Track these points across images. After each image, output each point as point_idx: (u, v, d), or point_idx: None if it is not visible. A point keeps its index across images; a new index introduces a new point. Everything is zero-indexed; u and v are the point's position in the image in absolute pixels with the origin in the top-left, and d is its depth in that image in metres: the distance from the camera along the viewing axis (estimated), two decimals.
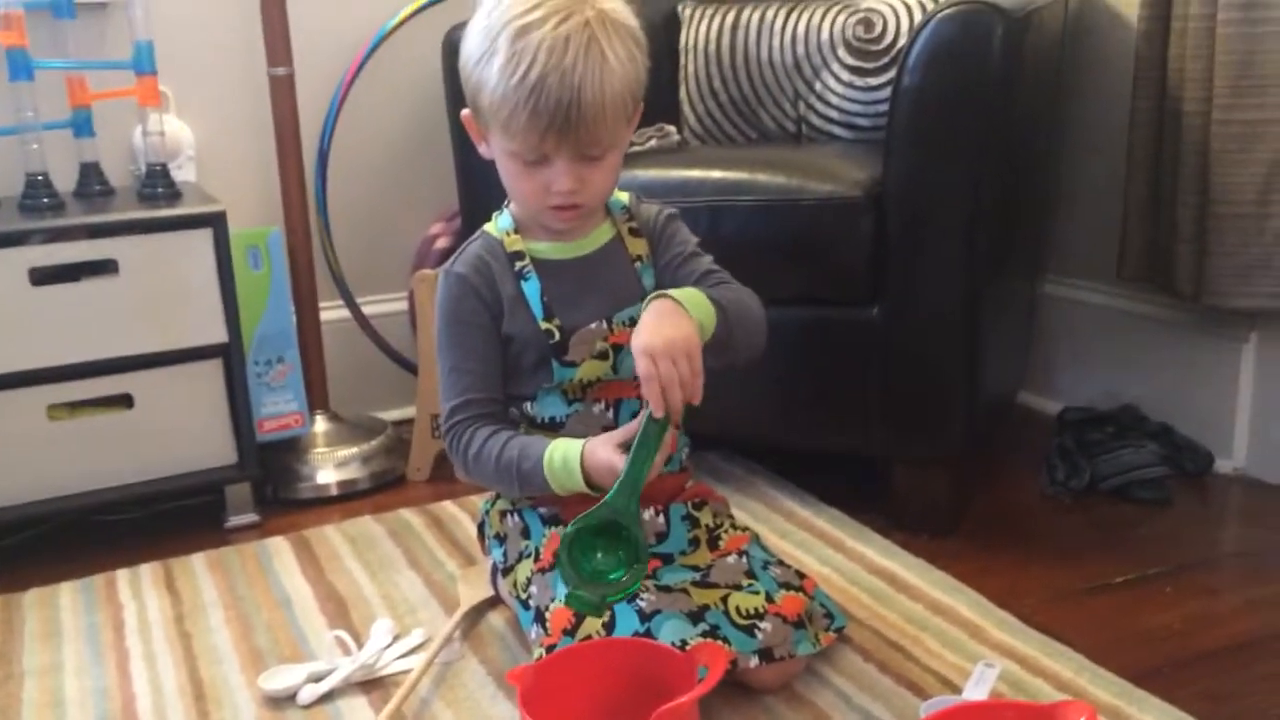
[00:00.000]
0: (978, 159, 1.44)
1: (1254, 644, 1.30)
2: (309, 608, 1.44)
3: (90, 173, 1.76)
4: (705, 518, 1.32)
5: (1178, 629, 1.33)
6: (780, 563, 1.30)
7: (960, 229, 1.46)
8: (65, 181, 1.74)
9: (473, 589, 1.43)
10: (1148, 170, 1.73)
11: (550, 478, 1.20)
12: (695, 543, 1.30)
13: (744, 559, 1.27)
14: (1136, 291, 1.87)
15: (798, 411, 1.60)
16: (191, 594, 1.49)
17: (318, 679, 1.25)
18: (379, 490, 1.82)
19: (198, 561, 1.58)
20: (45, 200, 1.65)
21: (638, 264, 1.31)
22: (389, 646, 1.32)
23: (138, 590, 1.50)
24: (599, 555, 1.12)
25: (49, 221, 1.59)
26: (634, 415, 1.23)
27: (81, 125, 1.74)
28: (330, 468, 1.81)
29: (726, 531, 1.32)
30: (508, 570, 1.33)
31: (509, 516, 1.35)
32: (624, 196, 1.34)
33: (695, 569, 1.25)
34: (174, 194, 1.71)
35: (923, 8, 1.78)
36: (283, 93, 1.81)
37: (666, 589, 1.19)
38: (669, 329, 1.12)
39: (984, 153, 1.44)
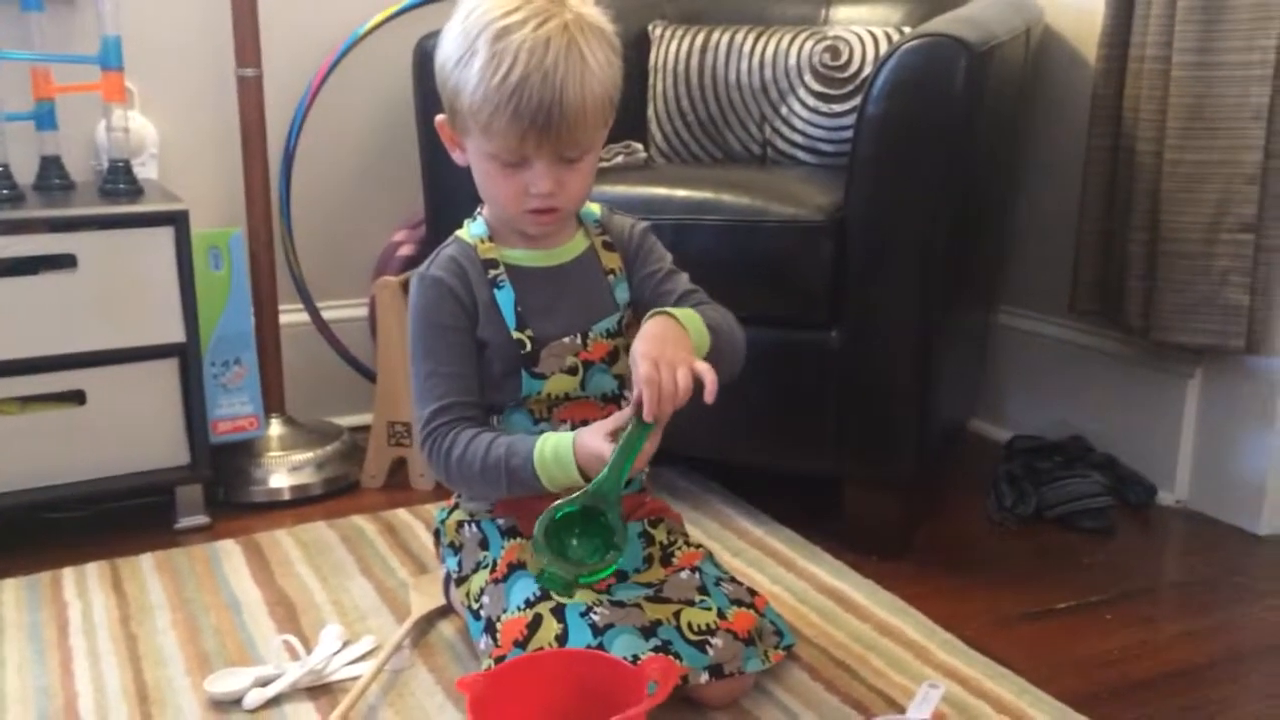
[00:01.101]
0: (937, 188, 1.47)
1: (1190, 672, 1.33)
2: (258, 612, 1.43)
3: (51, 166, 1.74)
4: (660, 535, 1.33)
5: (1117, 656, 1.36)
6: (732, 579, 1.30)
7: (918, 256, 1.49)
8: (25, 174, 1.72)
9: (424, 597, 1.43)
10: (1101, 206, 1.77)
11: (541, 471, 1.18)
12: (649, 560, 1.30)
13: (696, 575, 1.27)
14: (1088, 325, 1.91)
15: (754, 430, 1.62)
16: (138, 594, 1.48)
17: (265, 683, 1.25)
18: (332, 496, 1.81)
19: (146, 562, 1.56)
20: (4, 192, 1.63)
21: (610, 277, 1.31)
22: (338, 652, 1.31)
23: (83, 589, 1.49)
24: (574, 542, 1.13)
25: (7, 213, 1.57)
26: None
27: (44, 118, 1.73)
28: (284, 472, 1.80)
29: (680, 548, 1.32)
30: (461, 580, 1.33)
31: (466, 527, 1.35)
32: (596, 209, 1.35)
33: (649, 585, 1.25)
34: (136, 191, 1.70)
35: (888, 38, 1.81)
36: (250, 94, 1.80)
37: (620, 604, 1.20)
38: (670, 343, 1.15)
39: (944, 182, 1.47)
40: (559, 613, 1.18)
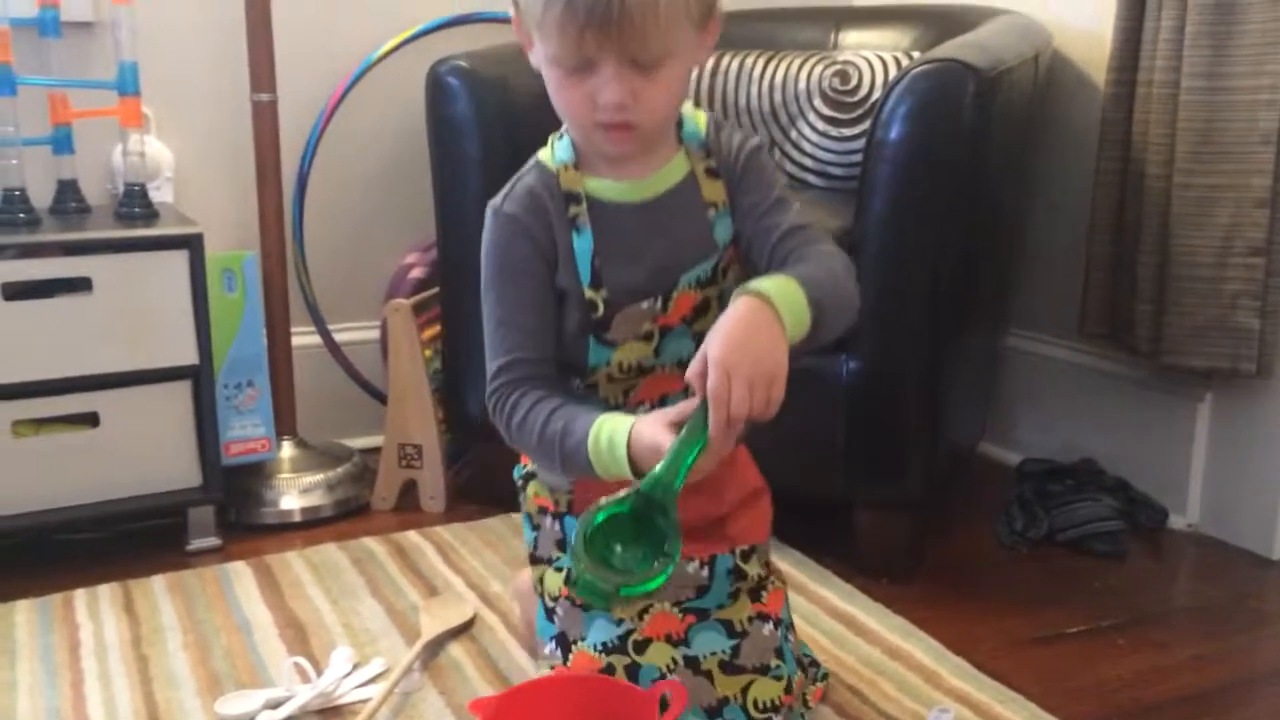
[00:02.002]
0: (947, 212, 1.48)
1: (1202, 697, 1.32)
2: (269, 634, 1.44)
3: (68, 190, 1.76)
4: (753, 569, 1.19)
5: (1128, 681, 1.35)
6: (791, 625, 1.23)
7: (927, 279, 1.49)
8: (42, 198, 1.74)
9: (434, 619, 1.43)
10: (1110, 230, 1.78)
11: (595, 458, 1.04)
12: (737, 594, 1.18)
13: (778, 631, 1.17)
14: (1097, 348, 1.91)
15: (763, 452, 1.62)
16: (150, 616, 1.48)
17: (275, 706, 1.25)
18: (343, 518, 1.82)
19: (157, 584, 1.57)
20: (21, 215, 1.65)
21: (711, 211, 1.13)
22: (348, 675, 1.32)
23: (95, 611, 1.49)
24: (619, 548, 0.98)
25: (24, 237, 1.59)
26: None
27: (61, 142, 1.75)
28: (295, 494, 1.81)
29: (772, 584, 1.20)
30: (535, 560, 1.24)
31: (547, 516, 1.24)
32: (702, 124, 1.15)
33: (730, 628, 1.16)
34: (151, 214, 1.72)
35: (898, 63, 1.82)
36: (265, 118, 1.82)
37: (695, 663, 1.13)
38: (758, 345, 0.96)
39: (953, 206, 1.48)
40: (632, 672, 1.12)
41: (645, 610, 1.16)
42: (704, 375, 0.96)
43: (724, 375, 0.94)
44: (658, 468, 0.97)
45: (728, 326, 0.97)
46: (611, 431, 1.03)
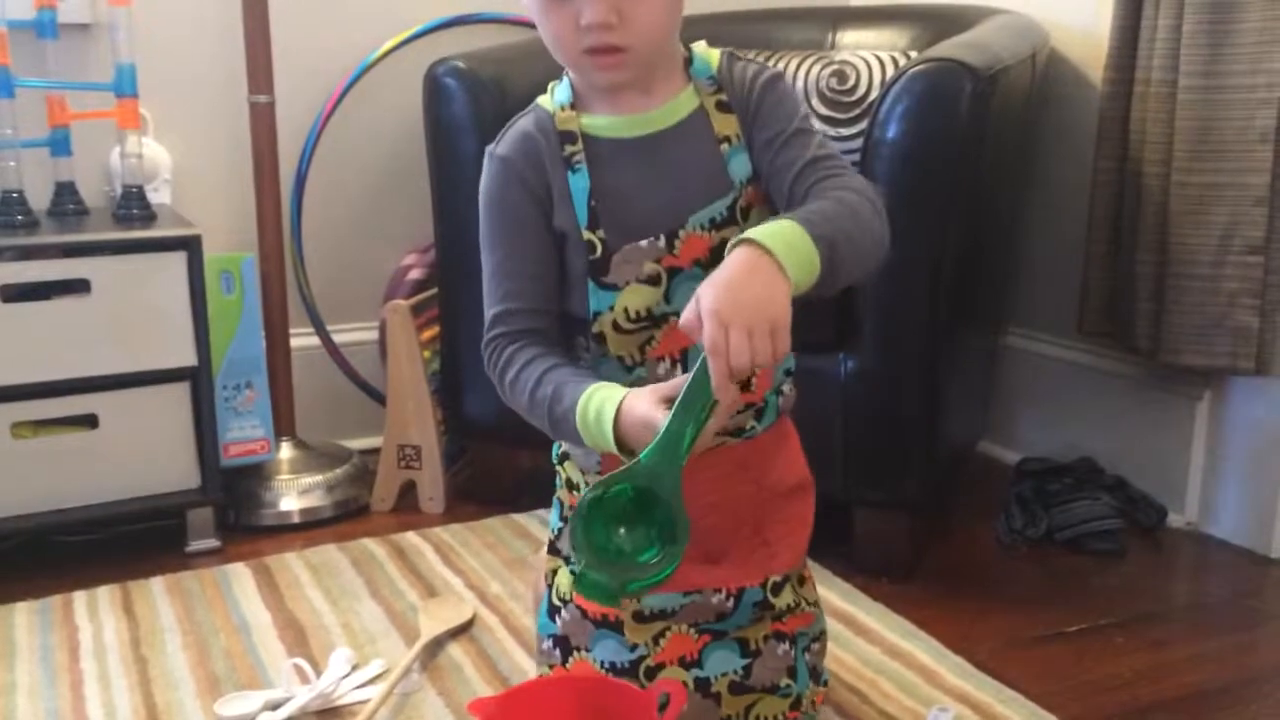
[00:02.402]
0: (944, 211, 1.48)
1: (1201, 696, 1.32)
2: (268, 635, 1.44)
3: (65, 192, 1.76)
4: (783, 600, 1.14)
5: (1127, 679, 1.35)
6: (819, 635, 1.19)
7: (925, 279, 1.49)
8: (40, 200, 1.74)
9: (434, 620, 1.43)
10: (1108, 229, 1.78)
11: (583, 430, 0.98)
12: (759, 620, 1.14)
13: (793, 649, 1.15)
14: (1096, 347, 1.91)
15: None
16: (149, 618, 1.48)
17: (274, 707, 1.25)
18: (342, 519, 1.82)
19: (156, 585, 1.57)
20: (19, 218, 1.65)
21: (725, 146, 1.05)
22: (347, 676, 1.32)
23: (94, 612, 1.49)
24: (621, 531, 0.90)
25: (22, 239, 1.59)
26: None
27: (59, 144, 1.75)
28: (294, 495, 1.81)
29: (802, 609, 1.16)
30: (553, 551, 1.19)
31: (569, 510, 1.18)
32: (714, 60, 1.09)
33: (744, 646, 1.13)
34: (149, 216, 1.72)
35: (895, 62, 1.82)
36: (262, 120, 1.82)
37: (706, 685, 1.12)
38: (752, 293, 0.88)
39: (951, 205, 1.48)
40: None
41: (661, 635, 1.13)
42: (699, 328, 0.89)
43: (719, 326, 0.86)
44: (658, 438, 0.90)
45: (721, 275, 0.90)
46: (601, 403, 0.96)
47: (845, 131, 1.84)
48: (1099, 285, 1.80)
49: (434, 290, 1.87)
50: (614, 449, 0.96)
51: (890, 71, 1.81)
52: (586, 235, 1.04)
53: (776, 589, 1.14)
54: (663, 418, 0.91)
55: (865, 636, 1.42)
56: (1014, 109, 1.70)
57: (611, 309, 1.05)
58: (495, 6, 2.10)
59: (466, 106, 1.69)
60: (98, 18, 1.84)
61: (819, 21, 2.03)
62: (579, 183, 1.05)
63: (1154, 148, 1.69)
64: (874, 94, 1.80)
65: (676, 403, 0.90)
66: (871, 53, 1.87)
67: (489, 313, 1.09)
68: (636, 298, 1.04)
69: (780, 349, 0.88)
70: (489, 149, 1.10)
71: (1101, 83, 1.78)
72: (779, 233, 0.92)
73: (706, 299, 0.88)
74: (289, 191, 1.99)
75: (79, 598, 1.53)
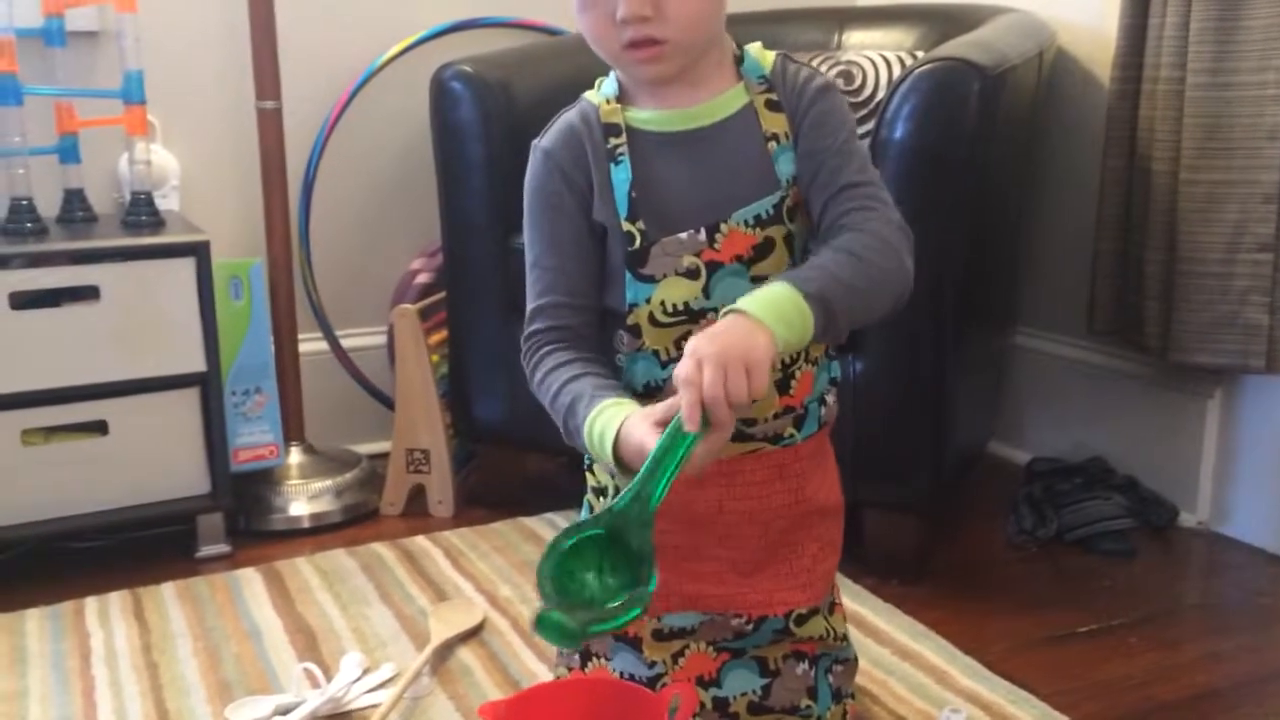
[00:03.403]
0: (952, 211, 1.47)
1: (1213, 695, 1.32)
2: (278, 640, 1.44)
3: (74, 199, 1.76)
4: (810, 629, 1.12)
5: (1140, 679, 1.35)
6: (845, 659, 1.17)
7: (934, 279, 1.49)
8: (49, 207, 1.74)
9: (443, 624, 1.44)
10: (1117, 227, 1.77)
11: (591, 449, 0.99)
12: (779, 642, 1.13)
13: (814, 670, 1.13)
14: (1105, 346, 1.90)
15: None
16: (160, 623, 1.48)
17: (285, 712, 1.25)
18: (352, 524, 1.82)
19: (167, 591, 1.57)
20: (29, 225, 1.65)
21: (773, 145, 1.05)
22: (358, 680, 1.32)
23: (106, 618, 1.50)
24: (590, 576, 0.90)
25: (31, 246, 1.59)
26: None
27: (68, 151, 1.75)
28: (303, 500, 1.81)
29: (829, 640, 1.14)
30: None
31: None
32: (767, 61, 1.08)
33: (763, 666, 1.13)
34: (158, 222, 1.72)
35: (901, 62, 1.82)
36: (270, 126, 1.82)
37: (724, 705, 1.11)
38: (731, 337, 0.90)
39: (958, 205, 1.48)
40: None
41: (680, 653, 1.12)
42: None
43: (695, 361, 0.89)
44: (635, 480, 0.90)
45: (703, 328, 0.95)
46: (604, 426, 0.97)
47: None
48: (1108, 284, 1.80)
49: (442, 294, 1.87)
50: (618, 471, 0.97)
51: (897, 71, 1.80)
52: (626, 226, 1.04)
53: (801, 620, 1.12)
54: (653, 444, 0.91)
55: (875, 638, 1.42)
56: (1021, 108, 1.70)
57: (649, 301, 1.05)
58: (501, 10, 2.10)
59: (473, 110, 1.70)
60: (105, 25, 1.84)
61: (825, 22, 2.03)
62: (620, 174, 1.05)
63: (1162, 145, 1.68)
64: (881, 94, 1.79)
65: (651, 454, 0.90)
66: (878, 53, 1.86)
67: (529, 305, 1.09)
68: (675, 290, 1.04)
69: (756, 386, 0.89)
70: (534, 142, 1.10)
71: (1109, 81, 1.77)
72: (768, 303, 0.93)
73: (689, 343, 0.91)
74: (297, 197, 1.99)
75: (90, 604, 1.53)
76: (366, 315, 2.11)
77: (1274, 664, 1.40)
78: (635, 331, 1.06)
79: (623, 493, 0.90)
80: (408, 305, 1.82)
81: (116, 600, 1.54)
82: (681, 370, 0.89)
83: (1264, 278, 1.61)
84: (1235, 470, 1.75)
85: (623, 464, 0.96)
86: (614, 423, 0.96)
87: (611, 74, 1.09)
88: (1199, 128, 1.63)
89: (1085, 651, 1.41)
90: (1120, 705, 1.29)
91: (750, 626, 1.11)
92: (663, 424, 0.92)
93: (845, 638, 1.18)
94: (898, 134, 1.45)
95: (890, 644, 1.41)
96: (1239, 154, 1.61)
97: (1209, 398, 1.77)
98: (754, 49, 1.10)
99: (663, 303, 1.04)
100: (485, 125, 1.69)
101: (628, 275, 1.05)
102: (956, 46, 1.53)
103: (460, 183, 1.74)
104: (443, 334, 1.86)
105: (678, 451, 0.89)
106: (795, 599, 1.12)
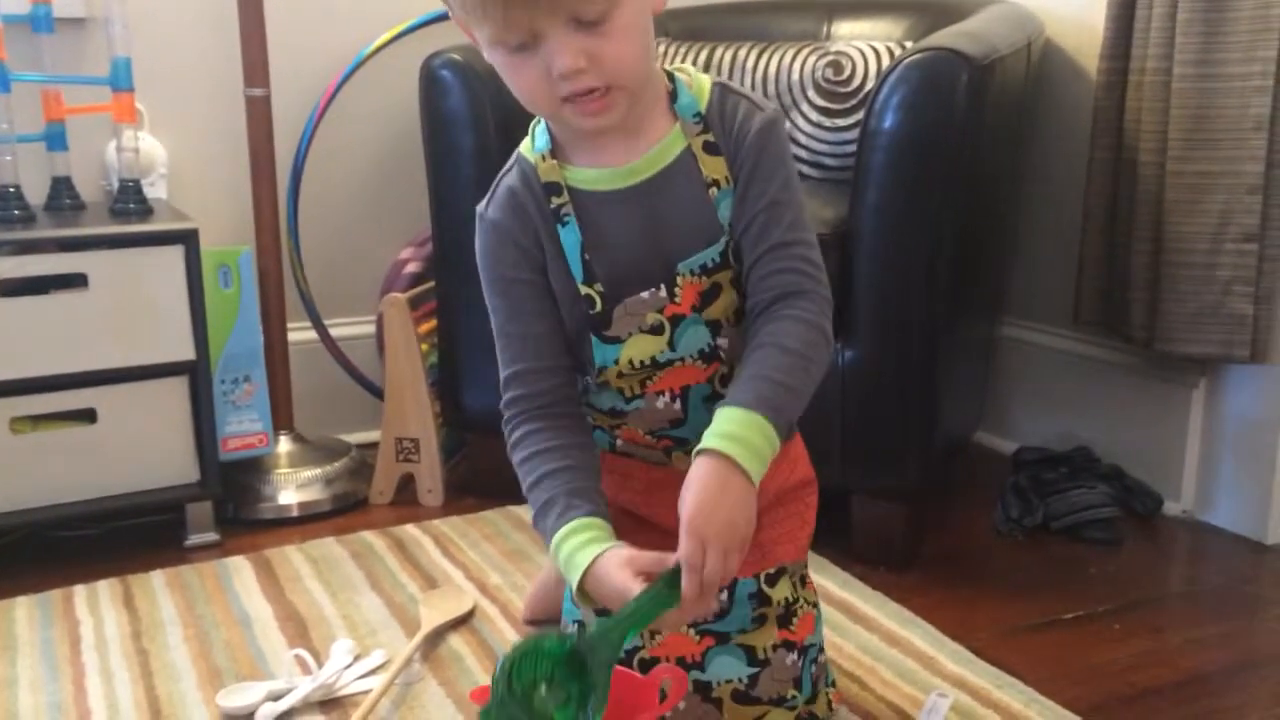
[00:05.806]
0: (941, 201, 1.48)
1: (1198, 681, 1.33)
2: (268, 627, 1.44)
3: (62, 186, 1.76)
4: (780, 593, 1.13)
5: (1124, 665, 1.36)
6: (822, 645, 1.20)
7: (922, 269, 1.50)
8: (37, 194, 1.74)
9: (434, 611, 1.44)
10: (1103, 218, 1.78)
11: (552, 559, 1.02)
12: (762, 619, 1.13)
13: (802, 659, 1.14)
14: (1092, 336, 1.91)
15: None
16: (150, 611, 1.48)
17: (276, 698, 1.25)
18: (341, 512, 1.82)
19: (156, 579, 1.57)
20: (16, 212, 1.64)
21: (714, 191, 1.03)
22: (349, 667, 1.32)
23: (95, 606, 1.49)
24: (544, 685, 0.92)
25: (19, 234, 1.59)
26: (705, 401, 1.05)
27: (55, 139, 1.75)
28: (293, 488, 1.81)
29: (801, 608, 1.15)
30: None
31: None
32: (702, 95, 1.05)
33: (751, 655, 1.13)
34: (146, 210, 1.72)
35: (890, 53, 1.82)
36: (258, 113, 1.82)
37: (706, 689, 1.11)
38: (727, 514, 0.93)
39: (947, 195, 1.48)
40: None
41: (656, 631, 1.12)
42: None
43: (699, 543, 0.91)
44: (611, 621, 0.93)
45: (698, 491, 0.94)
46: (569, 556, 0.98)
47: (841, 122, 1.84)
48: (1094, 274, 1.81)
49: (431, 283, 1.87)
50: (578, 599, 0.99)
51: (886, 62, 1.81)
52: (584, 290, 1.04)
53: (772, 580, 1.14)
54: (635, 591, 0.93)
55: (863, 624, 1.43)
56: (1010, 99, 1.71)
57: (617, 361, 1.06)
58: None
59: (463, 99, 1.69)
60: (93, 12, 1.83)
61: (814, 12, 2.03)
62: (570, 236, 1.04)
63: (1149, 136, 1.69)
64: (870, 84, 1.80)
65: (645, 595, 0.93)
66: (867, 43, 1.87)
67: (502, 373, 1.09)
68: (641, 347, 1.05)
69: (734, 570, 0.94)
70: (479, 209, 1.10)
71: (1096, 72, 1.78)
72: (744, 442, 0.95)
73: (687, 512, 0.92)
74: (285, 185, 1.99)
75: (79, 592, 1.53)
76: (355, 304, 2.11)
77: (1257, 650, 1.42)
78: (603, 384, 1.09)
79: (600, 627, 0.94)
80: (397, 294, 1.82)
81: (105, 588, 1.54)
82: (684, 552, 0.91)
83: (1249, 268, 1.62)
84: (1219, 459, 1.76)
85: (585, 594, 0.98)
86: (583, 557, 0.97)
87: (542, 124, 1.07)
88: (1185, 118, 1.64)
89: (1071, 638, 1.43)
90: (1105, 690, 1.30)
91: (724, 595, 1.11)
92: (645, 575, 0.94)
93: (816, 606, 1.19)
94: (887, 124, 1.45)
95: (878, 630, 1.42)
96: (1225, 145, 1.62)
97: (1194, 387, 1.78)
98: (687, 80, 1.07)
99: (630, 360, 1.06)
100: (475, 114, 1.69)
101: (593, 339, 1.05)
102: (945, 37, 1.53)
103: (450, 172, 1.74)
104: (432, 323, 1.86)
105: (659, 609, 0.93)
106: (763, 563, 1.13)
